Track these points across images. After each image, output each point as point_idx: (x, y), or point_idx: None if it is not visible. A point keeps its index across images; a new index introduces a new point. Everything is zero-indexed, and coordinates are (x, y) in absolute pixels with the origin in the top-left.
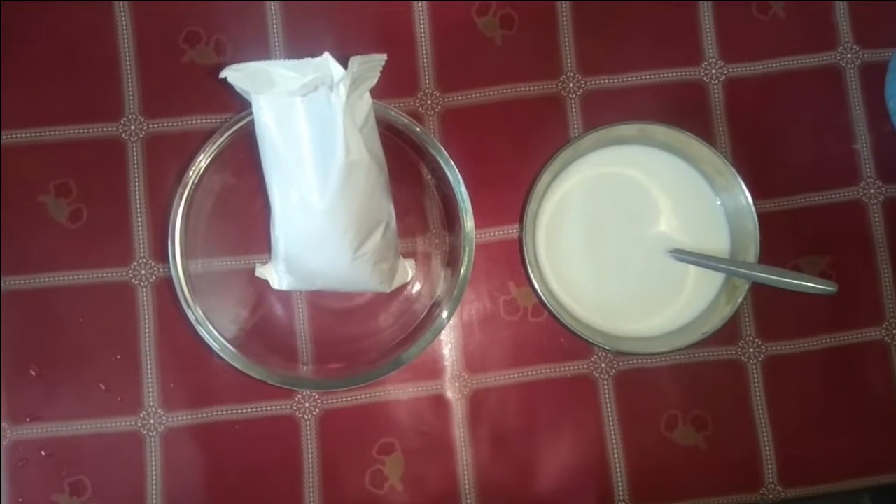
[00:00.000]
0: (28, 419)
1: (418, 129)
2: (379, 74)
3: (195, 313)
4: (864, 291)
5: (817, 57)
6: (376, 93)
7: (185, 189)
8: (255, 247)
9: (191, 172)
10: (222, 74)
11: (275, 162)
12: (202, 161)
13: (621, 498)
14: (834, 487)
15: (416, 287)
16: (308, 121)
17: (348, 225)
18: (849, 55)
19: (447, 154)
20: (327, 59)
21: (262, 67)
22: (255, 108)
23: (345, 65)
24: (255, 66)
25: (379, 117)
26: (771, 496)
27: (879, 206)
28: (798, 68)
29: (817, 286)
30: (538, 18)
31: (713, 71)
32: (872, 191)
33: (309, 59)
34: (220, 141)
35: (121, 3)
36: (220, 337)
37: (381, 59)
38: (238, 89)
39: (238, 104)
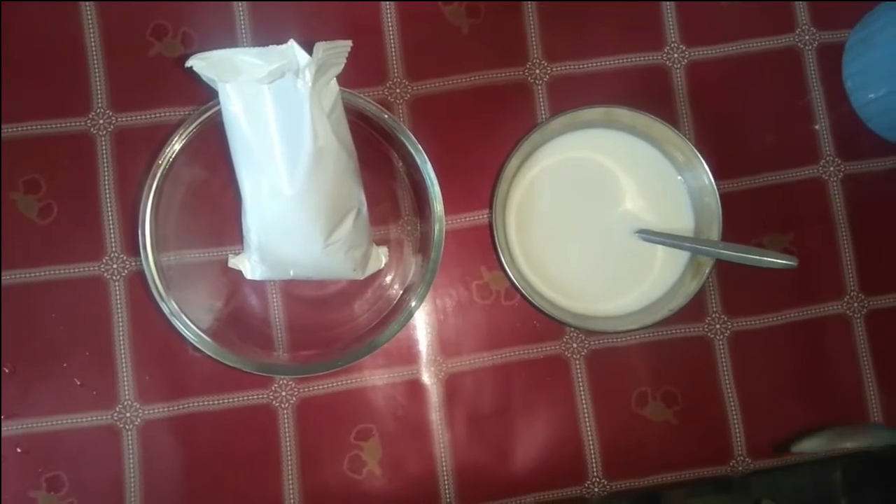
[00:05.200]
0: (3, 417)
1: (387, 117)
2: (345, 61)
3: (169, 305)
4: (826, 266)
5: (776, 39)
6: (346, 82)
7: (154, 179)
8: (228, 238)
9: (160, 162)
10: (188, 63)
11: (244, 150)
12: (171, 150)
13: (595, 474)
14: (802, 458)
15: (390, 274)
16: (275, 108)
17: (318, 212)
18: (806, 37)
19: (416, 140)
20: (292, 45)
21: (228, 55)
22: (221, 97)
23: (310, 52)
24: (220, 54)
25: (348, 105)
26: (741, 468)
27: (839, 184)
28: (757, 51)
29: (778, 261)
30: (503, 6)
31: (675, 55)
32: (832, 168)
33: (274, 47)
34: (189, 130)
35: (87, 1)
36: (195, 328)
37: (346, 45)
38: (204, 78)
39: (206, 95)
